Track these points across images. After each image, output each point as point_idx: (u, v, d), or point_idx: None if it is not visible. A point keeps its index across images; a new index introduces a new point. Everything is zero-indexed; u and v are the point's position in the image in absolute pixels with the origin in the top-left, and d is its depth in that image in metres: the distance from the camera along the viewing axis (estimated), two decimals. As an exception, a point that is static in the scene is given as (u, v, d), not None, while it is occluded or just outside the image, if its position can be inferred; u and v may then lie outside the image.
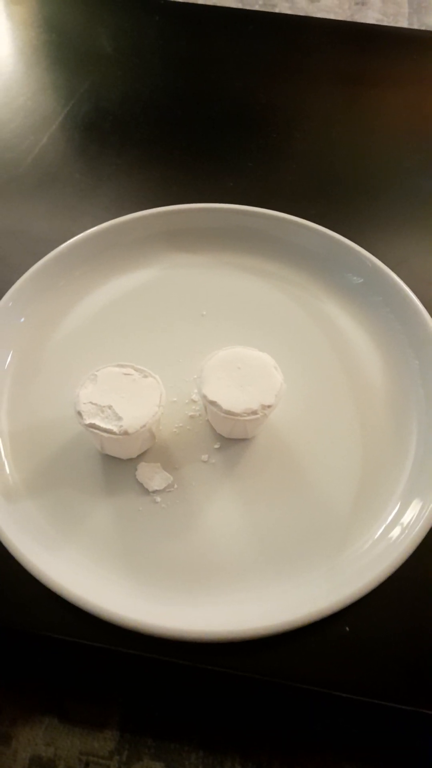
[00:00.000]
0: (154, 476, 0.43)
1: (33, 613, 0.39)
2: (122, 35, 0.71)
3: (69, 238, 0.51)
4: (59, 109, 0.64)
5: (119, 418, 0.40)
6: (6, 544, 0.39)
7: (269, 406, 0.41)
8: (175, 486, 0.43)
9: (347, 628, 0.38)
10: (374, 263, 0.50)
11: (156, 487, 0.42)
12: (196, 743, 0.40)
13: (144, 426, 0.40)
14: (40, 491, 0.43)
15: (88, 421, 0.40)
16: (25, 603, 0.39)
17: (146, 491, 0.42)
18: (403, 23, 0.85)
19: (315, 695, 0.38)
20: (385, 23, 0.84)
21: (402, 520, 0.41)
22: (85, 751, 0.40)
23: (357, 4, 0.88)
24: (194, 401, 0.46)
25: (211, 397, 0.41)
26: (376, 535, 0.41)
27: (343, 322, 0.50)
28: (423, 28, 0.84)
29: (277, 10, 0.85)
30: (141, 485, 0.43)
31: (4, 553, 0.39)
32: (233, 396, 0.41)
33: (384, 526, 0.41)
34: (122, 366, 0.42)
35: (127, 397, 0.41)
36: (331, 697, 0.37)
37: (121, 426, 0.40)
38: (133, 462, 0.44)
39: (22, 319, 0.49)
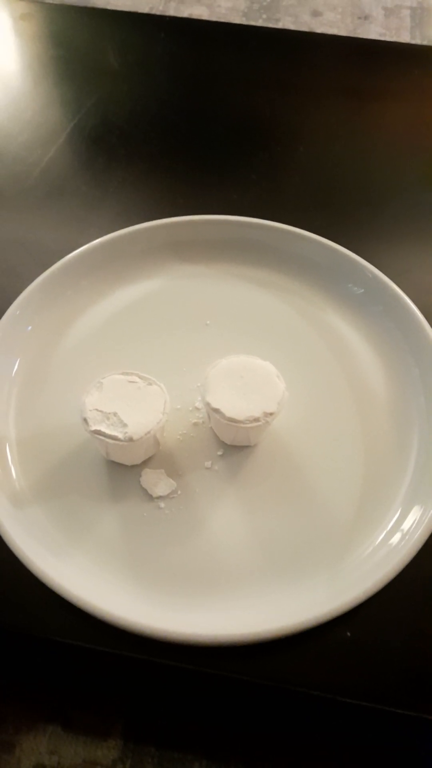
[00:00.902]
0: (158, 482, 0.43)
1: (38, 616, 0.39)
2: (128, 51, 0.72)
3: (76, 249, 0.52)
4: (66, 123, 0.65)
5: (124, 425, 0.40)
6: (13, 548, 0.40)
7: (271, 414, 0.41)
8: (179, 492, 0.43)
9: (348, 633, 0.39)
10: (375, 273, 0.51)
11: (160, 493, 0.43)
12: (199, 752, 0.40)
13: (148, 433, 0.41)
14: (46, 496, 0.43)
15: (93, 428, 0.40)
16: (31, 607, 0.40)
17: (150, 497, 0.43)
18: (406, 37, 0.85)
19: (317, 700, 0.38)
20: (387, 37, 0.85)
21: (402, 526, 0.41)
22: (88, 759, 0.40)
23: (359, 18, 0.89)
24: (198, 409, 0.46)
25: (215, 404, 0.41)
26: (377, 541, 0.41)
27: (344, 331, 0.50)
28: (425, 41, 0.85)
29: (280, 25, 0.86)
30: (145, 491, 0.43)
31: (11, 557, 0.39)
32: (236, 403, 0.41)
33: (385, 532, 0.42)
34: (127, 374, 0.43)
35: (132, 405, 0.41)
36: (333, 702, 0.38)
37: (126, 432, 0.40)
38: (137, 468, 0.44)
39: (29, 328, 0.50)
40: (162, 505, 0.43)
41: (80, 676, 0.42)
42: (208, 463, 0.44)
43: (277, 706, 0.41)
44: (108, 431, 0.40)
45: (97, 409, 0.41)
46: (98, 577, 0.40)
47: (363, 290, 0.51)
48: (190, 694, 0.42)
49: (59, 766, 0.40)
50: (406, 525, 0.41)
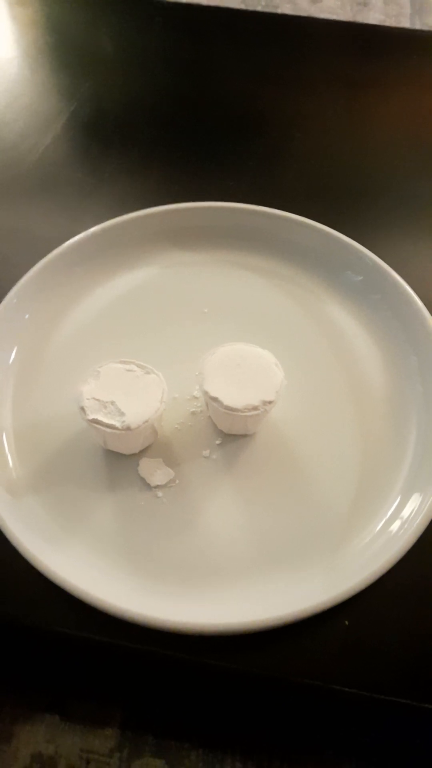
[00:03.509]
0: (155, 471, 0.43)
1: (35, 606, 0.39)
2: (124, 37, 0.71)
3: (72, 237, 0.51)
4: (62, 110, 0.64)
5: (122, 414, 0.40)
6: (10, 537, 0.39)
7: (269, 402, 0.41)
8: (177, 481, 0.43)
9: (347, 622, 0.39)
10: (374, 261, 0.50)
11: (158, 482, 0.43)
12: (196, 741, 0.40)
13: (146, 421, 0.40)
14: (43, 486, 0.43)
15: (90, 417, 0.40)
16: (28, 597, 0.39)
17: (148, 486, 0.43)
18: (405, 23, 0.85)
19: (315, 689, 0.38)
20: (386, 24, 0.84)
21: (402, 515, 0.41)
22: (85, 748, 0.40)
23: (359, 4, 0.88)
24: (196, 397, 0.46)
25: (213, 393, 0.41)
26: (376, 530, 0.41)
27: (342, 319, 0.50)
28: (425, 28, 0.85)
29: (279, 11, 0.85)
30: (143, 480, 0.43)
31: (7, 547, 0.39)
32: (234, 392, 0.41)
33: (384, 520, 0.41)
34: (125, 362, 0.42)
35: (129, 393, 0.41)
36: (331, 692, 0.38)
37: (123, 421, 0.40)
38: (135, 457, 0.44)
39: (27, 316, 0.49)
40: (160, 494, 0.43)
41: (77, 666, 0.43)
42: (206, 452, 0.44)
43: (275, 695, 0.41)
44: (105, 420, 0.40)
45: (94, 398, 0.41)
46: (95, 566, 0.40)
47: (362, 278, 0.51)
48: (187, 683, 0.42)
49: (57, 755, 0.40)
50: (405, 513, 0.41)
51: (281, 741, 0.40)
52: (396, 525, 0.41)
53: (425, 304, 0.48)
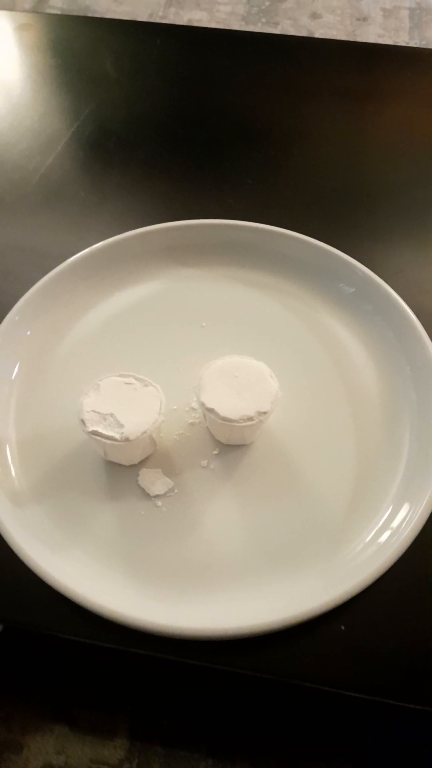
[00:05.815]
0: (155, 481, 0.44)
1: (39, 613, 0.40)
2: (125, 58, 0.73)
3: (74, 254, 0.53)
4: (65, 131, 0.66)
5: (121, 426, 0.41)
6: (13, 546, 0.40)
7: (265, 413, 0.42)
8: (176, 491, 0.44)
9: (342, 627, 0.39)
10: (365, 273, 0.51)
11: (157, 492, 0.44)
12: (204, 751, 0.41)
13: (145, 433, 0.41)
14: (46, 496, 0.44)
15: (90, 429, 0.41)
16: (31, 604, 0.40)
17: (148, 496, 0.44)
18: (404, 38, 0.86)
19: (314, 693, 0.39)
20: (386, 38, 0.85)
21: (392, 524, 0.42)
22: (95, 758, 0.40)
23: (358, 19, 0.89)
24: (194, 409, 0.47)
25: (209, 404, 0.42)
26: (368, 538, 0.42)
27: (336, 330, 0.51)
28: (423, 42, 0.86)
29: (279, 28, 0.87)
30: (143, 490, 0.44)
31: (11, 556, 0.40)
32: (230, 403, 0.42)
33: (376, 529, 0.42)
34: (124, 375, 0.43)
35: (128, 406, 0.42)
36: (330, 695, 0.38)
37: (122, 433, 0.41)
38: (135, 468, 0.45)
39: (29, 332, 0.50)
40: (159, 503, 0.43)
41: (82, 672, 0.43)
42: (204, 462, 0.45)
43: (276, 700, 0.42)
44: (105, 432, 0.41)
45: (94, 411, 0.42)
46: (97, 573, 0.41)
47: (353, 289, 0.52)
48: (189, 687, 0.42)
49: (66, 766, 0.40)
50: (396, 522, 0.42)
51: (289, 750, 0.41)
52: (387, 534, 0.41)
53: (417, 315, 0.49)
